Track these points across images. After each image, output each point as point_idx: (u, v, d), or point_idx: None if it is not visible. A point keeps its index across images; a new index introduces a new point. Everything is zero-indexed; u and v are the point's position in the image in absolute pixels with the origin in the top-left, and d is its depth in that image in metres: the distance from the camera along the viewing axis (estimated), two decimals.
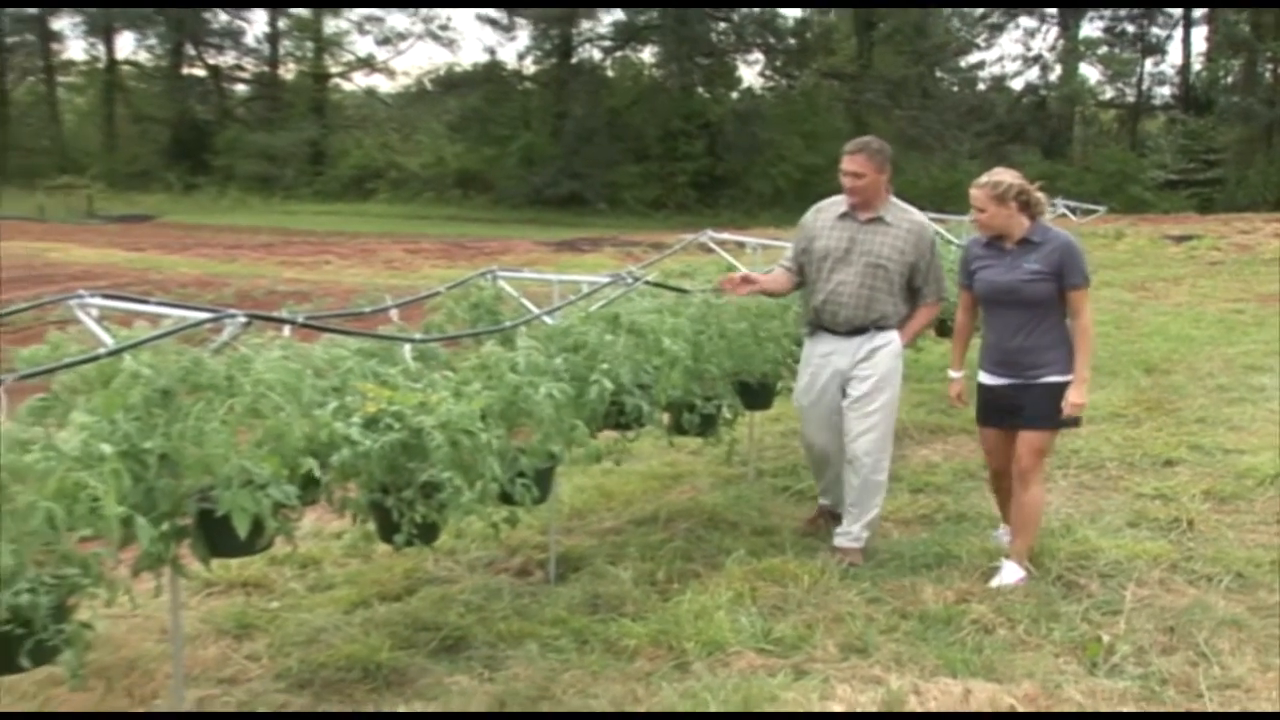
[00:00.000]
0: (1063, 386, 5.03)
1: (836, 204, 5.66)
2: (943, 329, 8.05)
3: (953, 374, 5.55)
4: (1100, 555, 5.37)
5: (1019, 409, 5.13)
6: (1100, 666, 4.27)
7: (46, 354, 3.73)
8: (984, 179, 5.13)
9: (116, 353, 3.52)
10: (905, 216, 5.61)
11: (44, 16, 52.41)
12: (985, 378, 5.25)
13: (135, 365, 3.44)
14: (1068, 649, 4.43)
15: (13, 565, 2.90)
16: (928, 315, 5.82)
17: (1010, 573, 5.09)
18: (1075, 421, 5.19)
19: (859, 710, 3.87)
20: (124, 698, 4.12)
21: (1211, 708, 3.94)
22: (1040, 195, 5.16)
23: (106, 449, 3.15)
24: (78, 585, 3.07)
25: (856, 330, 5.54)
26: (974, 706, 3.90)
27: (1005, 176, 5.10)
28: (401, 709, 3.95)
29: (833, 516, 5.80)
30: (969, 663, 4.27)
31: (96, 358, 3.52)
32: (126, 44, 54.82)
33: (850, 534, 5.52)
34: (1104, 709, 3.92)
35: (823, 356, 5.63)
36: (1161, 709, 3.93)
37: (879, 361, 5.53)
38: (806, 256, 5.68)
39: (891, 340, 5.58)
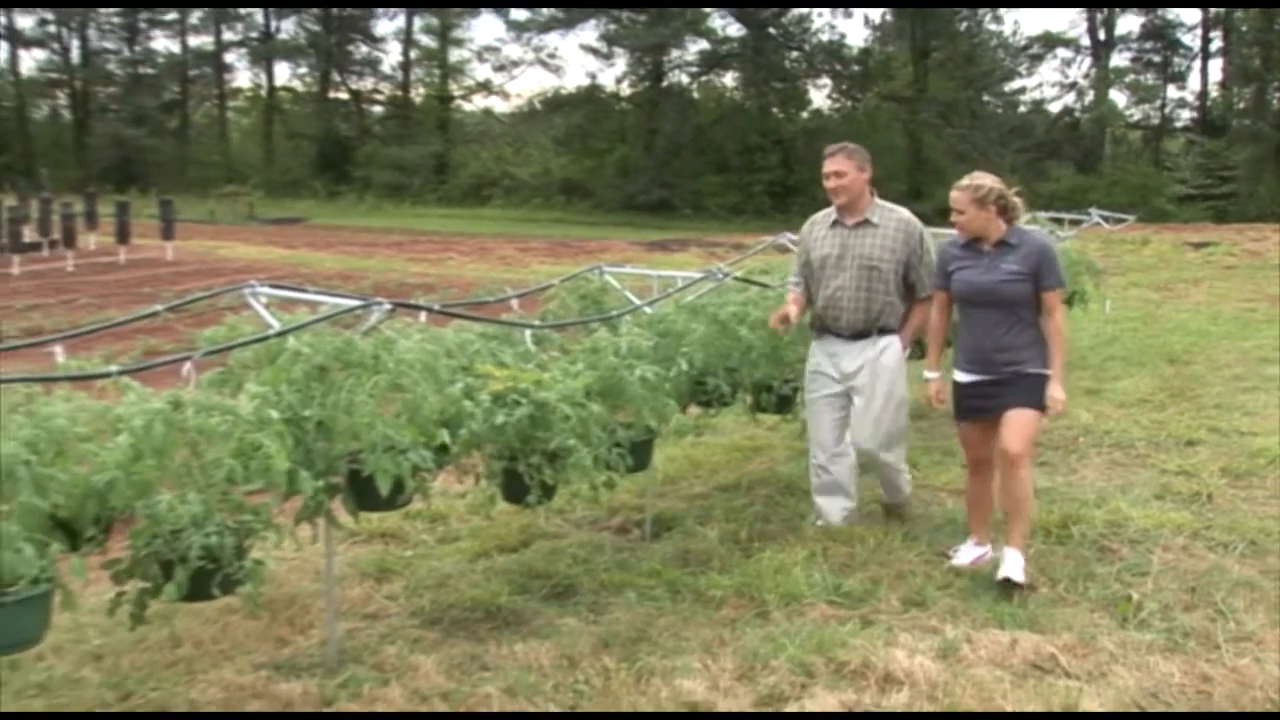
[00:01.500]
0: (1039, 377, 4.64)
1: (828, 215, 5.29)
2: None
3: (928, 374, 5.05)
4: (1130, 524, 5.30)
5: (997, 398, 4.68)
6: (1130, 621, 4.23)
7: (224, 334, 3.82)
8: (965, 181, 4.72)
9: (282, 334, 3.60)
10: (892, 216, 5.21)
11: (219, 51, 53.75)
12: (960, 375, 4.80)
13: (297, 345, 3.51)
14: (1102, 605, 4.39)
15: (203, 511, 2.98)
16: (923, 311, 5.27)
17: (1013, 562, 4.53)
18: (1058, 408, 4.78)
19: (920, 653, 3.83)
20: (285, 626, 4.22)
21: (1228, 658, 3.89)
22: (1017, 200, 4.75)
23: (274, 415, 3.22)
24: (253, 529, 3.15)
25: (859, 334, 5.17)
26: (1019, 655, 3.85)
27: (985, 180, 4.70)
28: (518, 646, 3.98)
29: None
30: (1015, 616, 4.23)
31: (266, 337, 3.60)
32: (283, 73, 55.87)
33: (889, 504, 5.51)
34: (1134, 658, 3.87)
35: (829, 356, 5.27)
36: (1184, 659, 3.88)
37: (882, 370, 5.16)
38: (808, 269, 5.32)
39: (892, 344, 5.19)
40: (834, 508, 5.31)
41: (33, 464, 2.74)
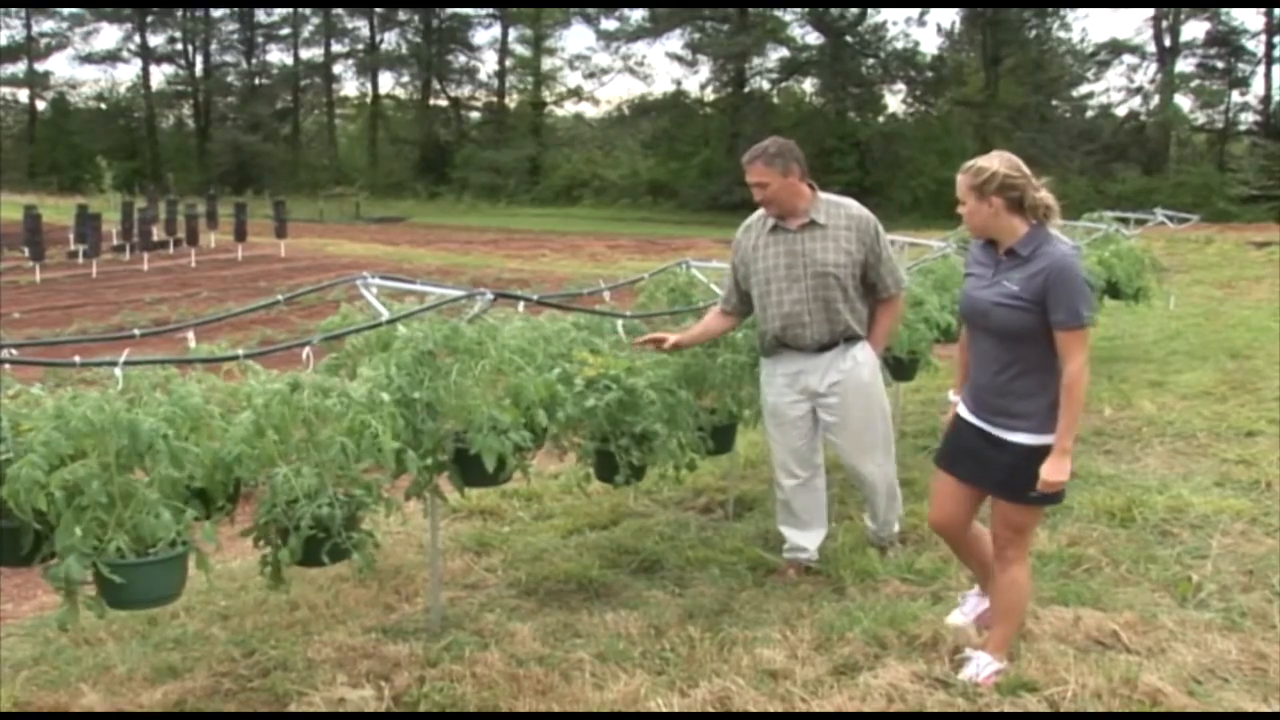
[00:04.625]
0: (1037, 451, 3.30)
1: (764, 218, 4.41)
2: None
3: (953, 397, 3.74)
4: (1191, 509, 5.22)
5: (985, 465, 3.46)
6: (1190, 601, 4.17)
7: (338, 322, 3.95)
8: (969, 163, 3.44)
9: (393, 321, 3.70)
10: (840, 212, 4.32)
11: (328, 62, 54.99)
12: (962, 409, 3.57)
13: (407, 331, 3.60)
14: (1162, 586, 4.33)
15: (316, 484, 3.09)
16: (892, 311, 4.53)
17: (981, 664, 3.49)
18: (1056, 497, 3.41)
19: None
20: (392, 594, 4.34)
21: None
22: (1043, 196, 3.34)
23: (385, 397, 3.32)
24: (363, 503, 3.25)
25: (825, 346, 4.34)
26: (1083, 631, 3.81)
27: (992, 163, 3.36)
28: (609, 616, 4.03)
29: (806, 570, 4.53)
30: (1079, 594, 4.17)
31: (378, 325, 3.71)
32: (387, 82, 56.97)
33: (876, 533, 4.73)
34: (1192, 636, 3.81)
35: (790, 375, 4.41)
36: (1241, 637, 3.82)
37: (856, 383, 4.36)
38: (748, 282, 4.43)
39: (864, 355, 4.39)
40: (808, 541, 4.56)
41: (170, 438, 2.87)
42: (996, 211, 3.35)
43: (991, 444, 3.43)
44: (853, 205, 4.39)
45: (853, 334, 4.37)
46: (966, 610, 3.88)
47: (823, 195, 4.38)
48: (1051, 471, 3.27)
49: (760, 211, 4.42)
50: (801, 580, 4.44)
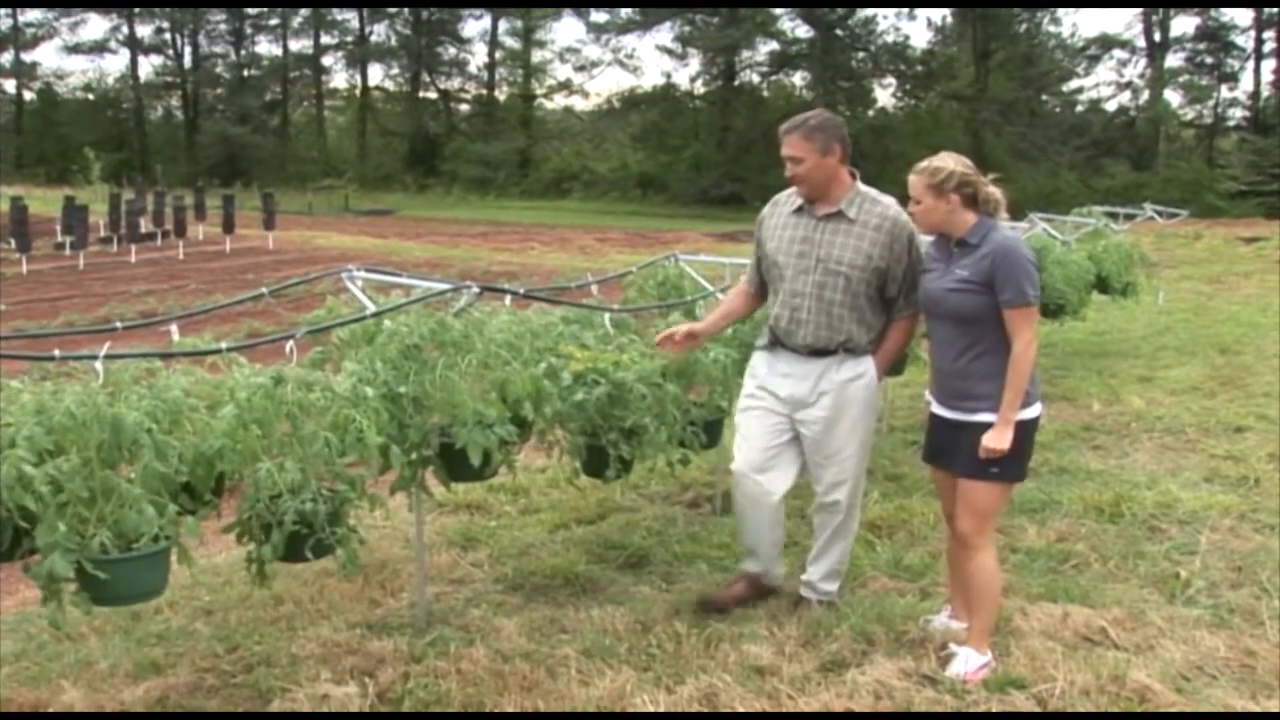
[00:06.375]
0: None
1: (793, 196, 3.97)
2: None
3: (929, 396, 3.80)
4: (1180, 505, 5.24)
5: (955, 450, 3.56)
6: (1178, 597, 4.19)
7: (324, 316, 3.90)
8: (923, 164, 3.56)
9: (378, 315, 3.66)
10: (875, 210, 3.83)
11: (317, 54, 54.72)
12: (932, 404, 3.71)
13: (392, 325, 3.57)
14: (1151, 582, 4.35)
15: (299, 479, 3.05)
16: (904, 334, 3.99)
17: (967, 660, 3.52)
18: (1017, 473, 3.54)
19: None
20: (378, 589, 4.31)
21: (1272, 634, 3.81)
22: (993, 190, 3.53)
23: (369, 391, 3.28)
24: (347, 498, 3.21)
25: (818, 351, 3.88)
26: (1071, 627, 3.82)
27: (946, 163, 3.52)
28: (595, 611, 4.01)
29: (759, 586, 4.14)
30: (1068, 590, 4.19)
31: (363, 318, 3.67)
32: (376, 74, 56.63)
33: (814, 585, 4.09)
34: (1181, 633, 3.82)
35: (779, 376, 3.97)
36: (1229, 634, 3.82)
37: (848, 401, 3.87)
38: (763, 262, 4.07)
39: (864, 372, 3.90)
40: (761, 548, 4.09)
41: (153, 432, 2.83)
42: (953, 208, 3.51)
43: (957, 427, 3.54)
44: (890, 205, 3.87)
45: (855, 346, 3.88)
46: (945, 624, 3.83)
47: (862, 187, 3.90)
48: (993, 439, 3.41)
49: (792, 189, 3.95)
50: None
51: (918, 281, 3.79)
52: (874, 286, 3.85)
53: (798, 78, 50.68)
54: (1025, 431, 3.48)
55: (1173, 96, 48.60)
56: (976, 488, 3.51)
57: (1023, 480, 3.76)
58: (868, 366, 3.92)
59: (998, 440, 3.41)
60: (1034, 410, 3.52)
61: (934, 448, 3.72)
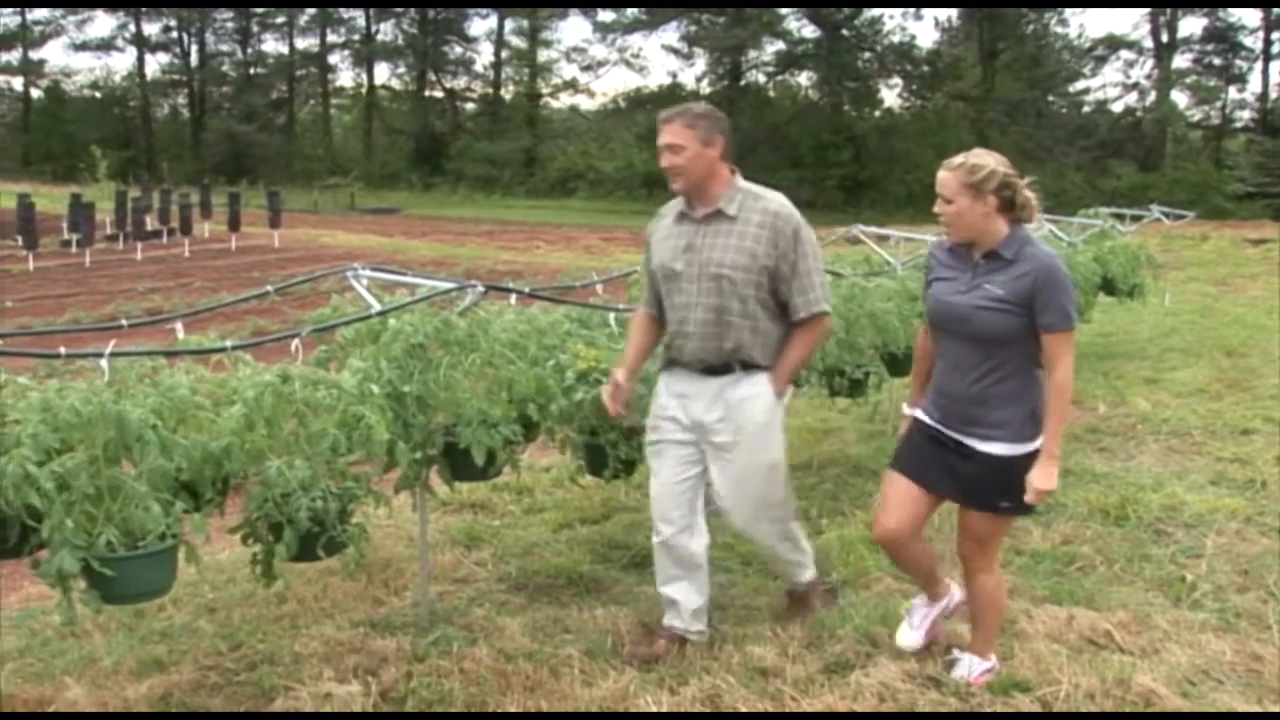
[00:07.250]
0: (1009, 461, 3.17)
1: (676, 205, 3.64)
2: None
3: (907, 410, 3.48)
4: (1186, 508, 5.21)
5: (950, 476, 3.28)
6: (1184, 600, 4.17)
7: (329, 314, 3.90)
8: (958, 159, 3.22)
9: (383, 314, 3.66)
10: (757, 206, 3.50)
11: (324, 53, 54.82)
12: (923, 415, 3.37)
13: (397, 324, 3.57)
14: (1157, 585, 4.33)
15: (309, 476, 3.06)
16: (806, 342, 3.58)
17: (971, 666, 3.43)
18: (1027, 508, 3.22)
19: None
20: (381, 588, 4.31)
21: (1278, 639, 3.79)
22: (1031, 195, 3.22)
23: (375, 389, 3.28)
24: (355, 496, 3.22)
25: (711, 369, 3.53)
26: (1076, 630, 3.81)
27: (988, 160, 3.18)
28: (599, 611, 4.01)
29: (681, 643, 3.68)
30: (1073, 593, 4.17)
31: (368, 317, 3.67)
32: (382, 73, 56.72)
33: (793, 581, 3.97)
34: (1186, 636, 3.80)
35: (677, 397, 3.60)
36: (1235, 638, 3.80)
37: (748, 424, 3.51)
38: (654, 278, 3.68)
39: (760, 389, 3.53)
40: (685, 601, 3.69)
41: (159, 429, 2.84)
42: (990, 211, 3.16)
43: (961, 454, 3.25)
44: (773, 199, 3.54)
45: (750, 360, 3.53)
46: (916, 623, 3.61)
47: (742, 183, 3.56)
48: (1041, 479, 3.13)
49: (679, 199, 3.62)
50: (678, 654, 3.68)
51: (813, 280, 3.51)
52: (765, 289, 3.49)
53: (804, 78, 50.83)
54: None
55: (1180, 97, 48.68)
56: (983, 519, 3.29)
57: (1031, 514, 3.49)
58: (762, 381, 3.55)
59: (1047, 480, 3.12)
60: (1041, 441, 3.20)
61: (919, 463, 3.34)
